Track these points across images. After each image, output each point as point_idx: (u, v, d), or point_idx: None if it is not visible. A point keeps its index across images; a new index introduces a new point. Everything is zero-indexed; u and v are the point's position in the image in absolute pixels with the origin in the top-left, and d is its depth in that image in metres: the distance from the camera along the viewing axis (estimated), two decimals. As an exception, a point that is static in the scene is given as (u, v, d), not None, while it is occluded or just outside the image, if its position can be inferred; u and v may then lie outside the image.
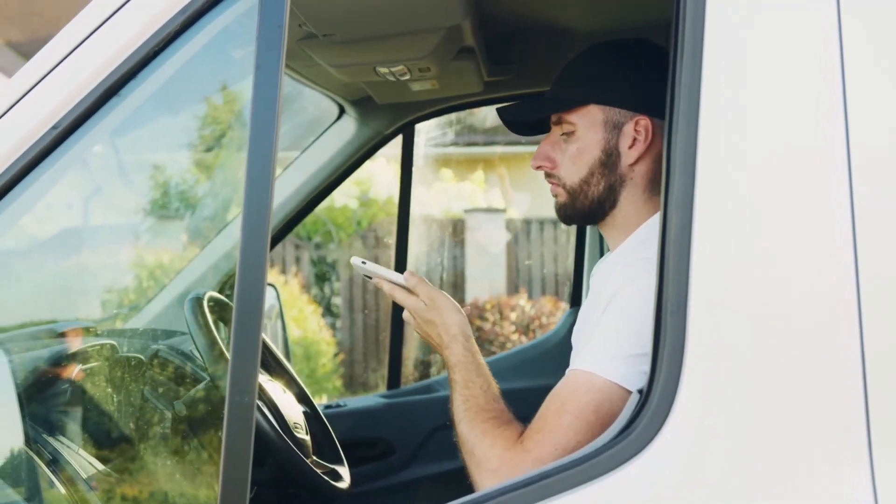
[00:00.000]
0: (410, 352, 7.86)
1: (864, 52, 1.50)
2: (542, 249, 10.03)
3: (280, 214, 3.30)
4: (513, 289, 9.74)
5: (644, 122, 1.89)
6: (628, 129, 1.89)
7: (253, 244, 1.56)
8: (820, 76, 1.50)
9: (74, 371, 2.02)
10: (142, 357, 2.14)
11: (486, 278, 9.71)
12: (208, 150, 2.46)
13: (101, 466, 1.92)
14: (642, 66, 1.93)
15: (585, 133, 1.92)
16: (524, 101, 2.08)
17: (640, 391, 1.57)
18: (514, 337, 8.34)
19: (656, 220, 1.91)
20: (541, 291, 9.72)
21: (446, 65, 2.67)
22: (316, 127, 3.32)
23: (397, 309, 3.61)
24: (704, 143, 1.51)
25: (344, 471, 2.29)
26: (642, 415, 1.53)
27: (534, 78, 3.34)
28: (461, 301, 9.26)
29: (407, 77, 2.61)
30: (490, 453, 1.73)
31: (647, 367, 1.65)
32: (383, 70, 2.55)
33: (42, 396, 1.99)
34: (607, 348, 1.72)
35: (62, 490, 1.82)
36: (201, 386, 2.02)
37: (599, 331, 1.77)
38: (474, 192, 10.60)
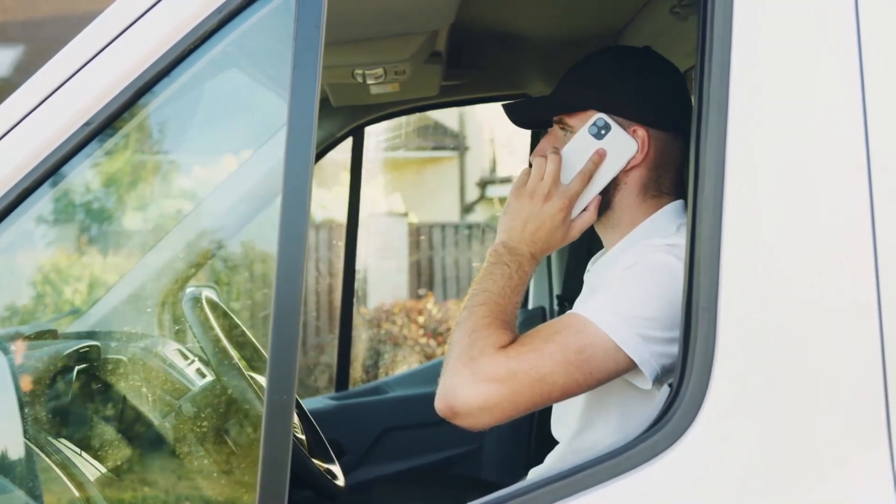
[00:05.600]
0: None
1: (883, 60, 1.59)
2: (444, 253, 10.10)
3: (231, 216, 3.28)
4: (415, 293, 9.79)
5: (641, 132, 1.95)
6: None
7: (291, 244, 1.57)
8: (842, 83, 1.58)
9: (70, 372, 1.99)
10: (138, 357, 2.12)
11: (388, 282, 9.73)
12: (240, 149, 2.44)
13: (104, 468, 1.89)
14: (646, 77, 1.99)
15: None
16: (529, 101, 2.14)
17: (669, 385, 1.63)
18: (423, 340, 8.39)
19: (653, 220, 1.99)
20: (443, 295, 9.79)
21: (417, 68, 2.70)
22: (267, 128, 3.30)
23: (346, 311, 3.63)
24: (733, 148, 1.58)
25: (337, 469, 2.30)
26: (674, 409, 1.58)
27: (485, 83, 3.40)
28: (364, 306, 9.25)
29: (381, 79, 2.63)
30: (480, 343, 1.75)
31: (642, 331, 1.75)
32: (359, 72, 2.57)
33: (36, 398, 1.95)
34: (612, 305, 1.78)
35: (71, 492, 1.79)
36: (206, 384, 2.01)
37: (609, 288, 1.83)
38: (375, 197, 10.62)
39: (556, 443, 2.10)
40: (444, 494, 3.11)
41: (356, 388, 3.75)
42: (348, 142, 3.64)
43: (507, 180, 12.73)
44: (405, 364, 8.15)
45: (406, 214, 10.45)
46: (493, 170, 13.52)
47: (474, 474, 3.53)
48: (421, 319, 8.54)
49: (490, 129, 13.32)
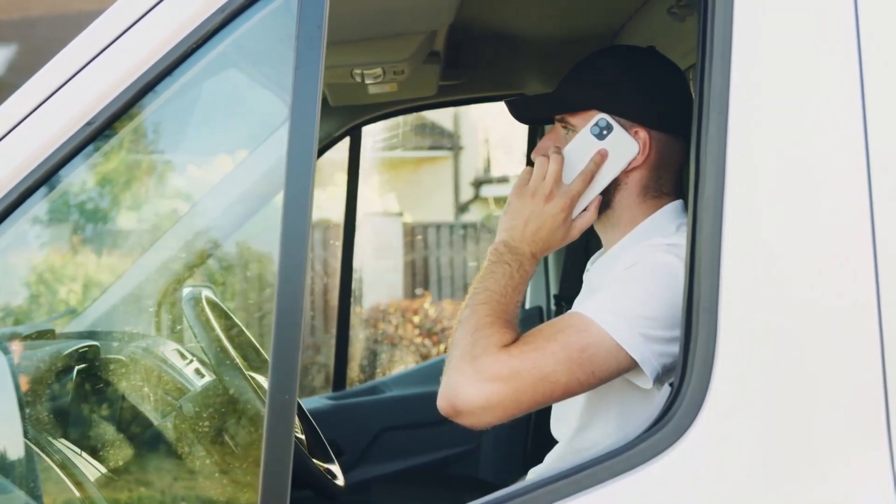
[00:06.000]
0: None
1: (883, 60, 1.59)
2: (439, 253, 10.11)
3: (228, 218, 3.27)
4: (409, 293, 9.79)
5: (643, 134, 1.95)
6: None
7: (293, 243, 1.57)
8: (842, 83, 1.59)
9: (70, 372, 1.99)
10: (138, 357, 2.12)
11: (383, 282, 9.74)
12: (241, 149, 2.45)
13: (104, 469, 1.89)
14: (649, 79, 2.00)
15: None
16: (532, 98, 2.14)
17: (670, 384, 1.64)
18: (419, 340, 8.40)
19: (652, 220, 1.99)
20: (438, 295, 9.80)
21: (416, 68, 2.70)
22: (269, 128, 3.30)
23: (343, 311, 3.64)
24: (734, 148, 1.58)
25: (336, 469, 2.31)
26: (675, 408, 1.59)
27: (483, 83, 3.42)
28: (359, 306, 9.26)
29: (380, 79, 2.63)
30: (483, 342, 1.76)
31: (644, 331, 1.76)
32: (358, 71, 2.57)
33: (36, 397, 1.96)
34: (614, 304, 1.79)
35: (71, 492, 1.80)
36: (207, 383, 2.01)
37: (610, 287, 1.84)
38: (370, 197, 10.61)
39: (553, 442, 2.11)
40: (442, 494, 3.12)
41: (353, 388, 3.75)
42: (343, 142, 3.65)
43: (501, 180, 12.74)
44: (400, 364, 8.15)
45: (401, 214, 10.45)
46: (488, 170, 13.54)
47: (471, 474, 3.53)
48: (416, 319, 8.54)
49: (484, 128, 13.33)
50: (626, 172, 1.96)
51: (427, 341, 8.38)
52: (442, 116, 13.00)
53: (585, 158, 1.93)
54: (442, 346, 8.25)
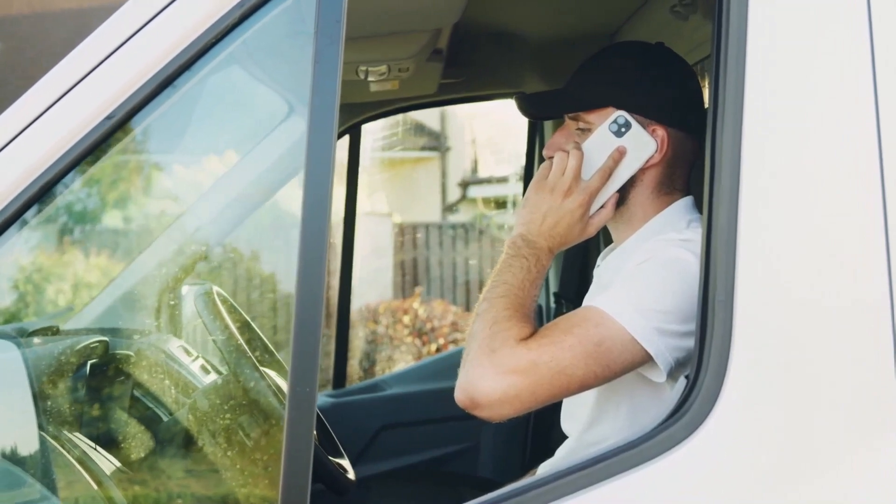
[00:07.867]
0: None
1: (891, 59, 1.61)
2: (428, 253, 10.11)
3: (226, 217, 3.26)
4: (398, 293, 9.79)
5: (661, 132, 1.96)
6: None
7: (313, 238, 1.58)
8: (854, 82, 1.61)
9: (84, 367, 2.00)
10: (153, 352, 2.12)
11: (372, 282, 9.73)
12: (259, 144, 2.45)
13: (120, 463, 1.90)
14: (666, 77, 2.01)
15: None
16: (545, 95, 2.14)
17: (686, 377, 1.65)
18: (409, 340, 8.40)
19: (664, 216, 2.01)
20: (427, 294, 9.80)
21: (419, 65, 2.72)
22: (262, 125, 3.28)
23: (343, 309, 3.64)
24: (749, 145, 1.60)
25: (346, 464, 2.31)
26: (691, 400, 1.61)
27: (483, 81, 3.43)
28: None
29: (384, 76, 2.64)
30: (501, 335, 1.78)
31: (658, 325, 1.77)
32: (363, 68, 2.58)
33: (48, 392, 1.96)
34: (629, 298, 1.81)
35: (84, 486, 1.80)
36: (222, 378, 2.02)
37: (624, 282, 1.85)
38: (359, 197, 10.59)
39: (551, 439, 2.12)
40: (441, 491, 3.12)
41: (352, 385, 3.76)
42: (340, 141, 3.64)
43: (488, 181, 12.76)
44: (392, 364, 8.15)
45: (390, 214, 10.46)
46: (475, 170, 13.55)
47: (471, 471, 3.54)
48: (406, 319, 8.54)
49: (472, 129, 13.33)
50: (643, 169, 1.97)
51: (417, 341, 8.38)
52: (429, 117, 13.00)
53: (604, 155, 1.94)
54: (433, 346, 8.25)
